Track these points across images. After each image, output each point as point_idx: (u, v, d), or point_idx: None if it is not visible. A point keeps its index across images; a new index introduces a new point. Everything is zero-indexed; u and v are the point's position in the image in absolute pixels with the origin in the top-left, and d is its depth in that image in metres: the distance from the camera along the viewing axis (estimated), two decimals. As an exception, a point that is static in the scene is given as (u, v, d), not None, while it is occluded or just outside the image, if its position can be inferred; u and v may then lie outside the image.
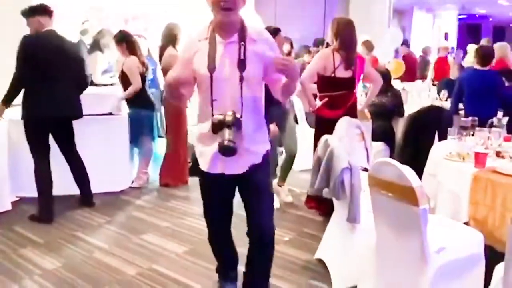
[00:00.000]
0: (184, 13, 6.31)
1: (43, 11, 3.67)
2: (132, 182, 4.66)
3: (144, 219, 3.88)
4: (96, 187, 4.30)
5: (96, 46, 5.24)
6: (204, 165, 2.19)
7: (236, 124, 1.99)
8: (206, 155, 2.17)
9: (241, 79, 2.00)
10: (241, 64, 2.00)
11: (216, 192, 2.29)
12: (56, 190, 3.86)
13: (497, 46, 6.39)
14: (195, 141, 2.26)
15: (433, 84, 6.92)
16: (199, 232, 3.42)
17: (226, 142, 1.96)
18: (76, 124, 3.95)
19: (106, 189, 4.40)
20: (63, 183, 3.96)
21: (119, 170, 4.53)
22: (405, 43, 9.07)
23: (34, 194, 3.86)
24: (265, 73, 2.10)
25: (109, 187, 4.44)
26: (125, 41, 4.46)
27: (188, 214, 3.96)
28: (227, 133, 1.96)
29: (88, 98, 4.18)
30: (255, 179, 2.18)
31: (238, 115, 2.00)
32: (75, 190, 4.08)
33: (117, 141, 4.48)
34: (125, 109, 4.57)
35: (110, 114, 4.45)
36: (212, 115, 2.02)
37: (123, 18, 6.36)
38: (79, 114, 3.88)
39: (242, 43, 2.00)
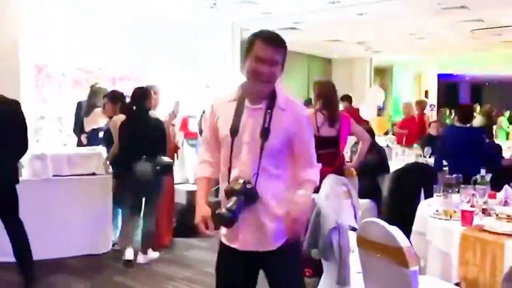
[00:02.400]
0: (172, 74, 6.44)
1: None
2: (114, 244, 4.52)
3: (126, 284, 3.71)
4: (76, 249, 4.18)
5: (94, 105, 5.17)
6: (224, 237, 1.99)
7: (245, 193, 1.81)
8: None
9: (262, 148, 1.86)
10: (264, 133, 1.86)
11: (229, 271, 2.01)
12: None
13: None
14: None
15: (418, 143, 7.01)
16: (183, 297, 3.28)
17: (222, 210, 1.79)
18: (57, 184, 3.88)
19: (86, 251, 4.26)
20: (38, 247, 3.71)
21: (101, 232, 4.41)
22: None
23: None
24: (287, 150, 1.93)
25: (89, 249, 4.30)
26: (120, 101, 4.50)
27: (172, 278, 3.81)
28: (231, 202, 1.79)
29: (71, 158, 4.15)
30: (278, 264, 1.94)
31: (249, 185, 1.84)
32: (49, 255, 3.91)
33: (100, 201, 4.39)
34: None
35: (94, 174, 4.39)
36: (228, 181, 1.89)
37: (111, 78, 6.45)
38: (10, 182, 3.42)
39: (269, 111, 1.87)
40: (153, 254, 4.27)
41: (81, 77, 6.01)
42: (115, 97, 4.57)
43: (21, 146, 3.46)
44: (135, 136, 4.04)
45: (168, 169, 4.12)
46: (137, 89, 4.34)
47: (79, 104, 5.25)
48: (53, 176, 4.17)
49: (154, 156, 4.00)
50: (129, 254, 4.10)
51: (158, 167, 3.97)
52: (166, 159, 4.09)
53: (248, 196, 1.82)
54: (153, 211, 4.22)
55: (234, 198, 1.80)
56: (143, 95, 4.20)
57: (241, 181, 1.83)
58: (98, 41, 6.07)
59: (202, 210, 1.95)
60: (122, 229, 4.46)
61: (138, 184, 4.06)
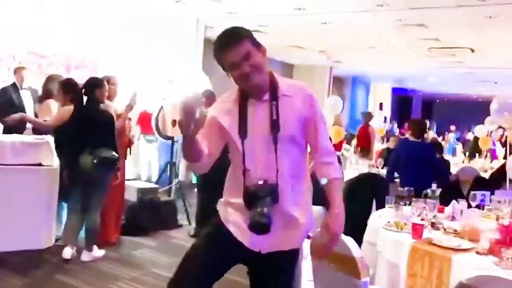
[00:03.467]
0: (132, 61, 6.24)
1: None
2: (58, 239, 4.30)
3: (68, 282, 3.53)
4: (16, 243, 3.94)
5: (48, 93, 4.92)
6: (238, 235, 1.86)
7: (270, 193, 1.71)
8: (238, 226, 1.86)
9: (275, 142, 1.75)
10: (274, 125, 1.76)
11: (217, 254, 1.88)
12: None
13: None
14: (229, 209, 1.90)
15: (355, 152, 7.19)
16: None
17: (256, 217, 1.67)
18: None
19: (26, 246, 4.01)
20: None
21: (44, 226, 4.17)
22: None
23: None
24: (301, 135, 1.84)
25: (31, 244, 4.05)
26: (73, 91, 4.28)
27: (117, 278, 3.67)
28: (259, 206, 1.68)
29: (15, 146, 3.92)
30: (280, 265, 1.88)
31: (272, 184, 1.74)
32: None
33: (45, 194, 4.16)
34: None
35: (40, 164, 4.16)
36: (244, 188, 1.76)
37: (66, 65, 6.18)
38: None
39: (274, 102, 1.78)
40: (98, 252, 4.09)
41: (33, 62, 5.71)
42: (68, 86, 4.34)
43: None
44: (80, 128, 3.85)
45: (109, 162, 3.87)
46: (90, 79, 4.16)
47: (4, 89, 4.98)
48: (-5, 164, 3.92)
49: (99, 149, 3.82)
50: (67, 253, 3.89)
51: (96, 160, 3.78)
52: (109, 152, 3.89)
53: (273, 196, 1.73)
54: (97, 206, 4.03)
55: (262, 201, 1.69)
56: (94, 85, 4.01)
57: (261, 181, 1.74)
58: (53, 24, 5.78)
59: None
60: (66, 224, 4.25)
61: (81, 177, 3.88)
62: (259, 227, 1.67)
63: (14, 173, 3.93)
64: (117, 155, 3.94)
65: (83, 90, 4.00)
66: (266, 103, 1.79)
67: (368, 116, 8.37)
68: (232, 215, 1.88)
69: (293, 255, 1.93)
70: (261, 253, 1.84)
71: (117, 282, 3.60)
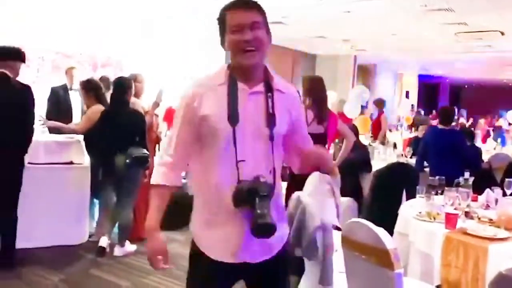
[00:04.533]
0: (158, 62, 6.30)
1: (15, 55, 3.50)
2: (91, 235, 4.40)
3: (102, 277, 3.62)
4: (51, 239, 4.07)
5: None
6: (222, 254, 1.63)
7: (270, 194, 1.54)
8: (226, 240, 1.61)
9: (271, 137, 1.60)
10: (270, 120, 1.60)
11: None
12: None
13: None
14: (196, 224, 1.72)
15: (373, 141, 7.06)
16: (161, 292, 3.21)
17: (262, 219, 1.47)
18: (33, 172, 3.76)
19: (61, 242, 4.14)
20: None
21: (77, 222, 4.28)
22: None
23: None
24: (288, 135, 1.70)
25: (65, 240, 4.17)
26: (95, 91, 4.37)
27: (149, 272, 3.72)
28: (260, 206, 1.49)
29: (48, 145, 4.02)
30: (276, 273, 1.72)
31: (269, 182, 1.57)
32: (23, 245, 3.79)
33: (77, 191, 4.26)
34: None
35: (71, 163, 4.26)
36: (238, 181, 1.54)
37: (92, 63, 6.29)
38: (14, 164, 3.58)
39: (269, 94, 1.62)
40: (130, 247, 4.17)
41: (61, 62, 5.83)
42: (89, 86, 4.42)
43: (26, 129, 3.55)
44: (113, 128, 3.93)
45: (141, 161, 3.95)
46: (118, 79, 4.23)
47: (52, 91, 5.09)
48: (29, 163, 4.01)
49: (130, 148, 3.90)
50: (103, 241, 4.02)
51: (128, 160, 3.86)
52: (140, 151, 3.94)
53: (271, 196, 1.55)
54: (129, 203, 4.11)
55: (261, 202, 1.50)
56: (123, 86, 4.09)
57: (263, 178, 1.55)
58: (80, 24, 5.89)
59: (156, 242, 1.62)
60: (98, 220, 4.35)
61: (113, 175, 3.97)
62: (266, 229, 1.50)
63: (47, 171, 4.04)
64: (148, 152, 4.00)
65: (113, 91, 4.08)
66: (259, 94, 1.62)
67: (381, 103, 8.16)
68: (206, 234, 1.66)
69: (283, 262, 1.76)
70: (250, 264, 1.64)
71: (149, 276, 3.66)
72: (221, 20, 1.61)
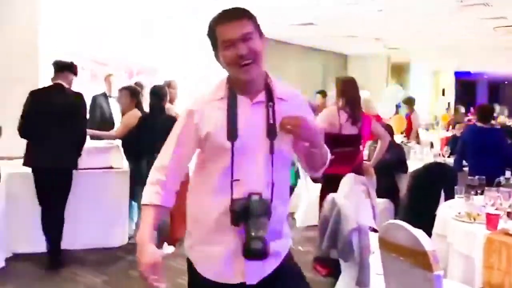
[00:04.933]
0: (192, 67, 6.40)
1: (68, 68, 3.90)
2: (130, 238, 4.52)
3: (142, 278, 3.72)
4: (92, 242, 4.21)
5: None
6: (212, 272, 1.58)
7: (266, 212, 1.47)
8: (215, 257, 1.57)
9: (272, 150, 1.52)
10: (271, 131, 1.52)
11: None
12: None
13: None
14: (189, 240, 1.66)
15: (407, 141, 6.88)
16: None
17: (253, 244, 1.42)
18: (74, 177, 3.91)
19: (102, 244, 4.27)
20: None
21: (117, 225, 4.41)
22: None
23: (29, 250, 3.84)
24: (294, 142, 1.60)
25: (105, 242, 4.31)
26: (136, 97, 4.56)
27: (186, 274, 3.80)
28: (254, 229, 1.43)
29: (88, 151, 4.16)
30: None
31: (266, 200, 1.49)
32: (64, 246, 3.95)
33: (117, 195, 4.39)
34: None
35: (111, 168, 4.39)
36: (232, 201, 1.49)
37: (128, 71, 6.45)
38: (69, 166, 3.89)
39: (270, 103, 1.54)
40: (168, 249, 4.26)
41: (98, 70, 6.02)
42: (133, 93, 4.58)
43: (79, 135, 3.91)
44: (150, 134, 4.05)
45: None
46: (154, 87, 4.41)
47: (94, 99, 5.26)
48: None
49: None
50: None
51: None
52: None
53: (268, 216, 1.47)
54: None
55: (255, 221, 1.44)
56: (160, 93, 4.27)
57: (255, 197, 1.47)
58: (114, 33, 6.06)
59: (149, 253, 1.51)
60: (137, 222, 4.47)
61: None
62: (258, 253, 1.43)
63: (88, 176, 4.18)
64: None
65: (150, 99, 4.22)
66: (260, 105, 1.55)
67: (411, 101, 7.94)
68: (199, 250, 1.63)
69: (285, 274, 1.65)
70: (247, 284, 1.56)
71: (186, 277, 3.72)
72: (211, 35, 1.56)
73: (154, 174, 1.60)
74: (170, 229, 4.43)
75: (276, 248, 1.59)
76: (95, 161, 4.31)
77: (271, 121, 1.53)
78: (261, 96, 1.56)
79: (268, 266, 1.58)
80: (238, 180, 1.50)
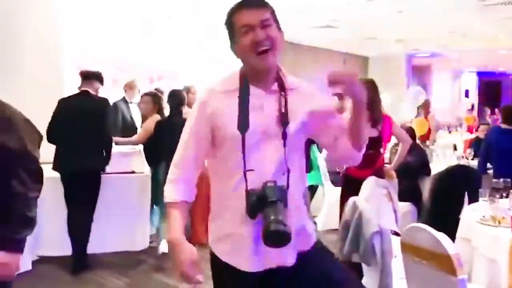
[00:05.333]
0: (211, 72, 6.45)
1: (95, 77, 4.09)
2: (152, 241, 4.57)
3: (165, 282, 3.75)
4: (114, 245, 4.27)
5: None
6: (240, 263, 1.57)
7: (282, 198, 1.46)
8: (241, 249, 1.55)
9: (284, 137, 1.52)
10: (283, 119, 1.53)
11: None
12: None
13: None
14: (214, 230, 1.66)
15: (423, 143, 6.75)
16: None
17: (273, 226, 1.38)
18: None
19: (124, 248, 4.34)
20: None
21: (138, 229, 4.47)
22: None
23: (54, 253, 3.92)
24: (315, 130, 1.62)
25: (127, 246, 4.37)
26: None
27: (208, 276, 3.81)
28: (270, 213, 1.41)
29: (112, 156, 4.22)
30: (314, 274, 1.59)
31: (282, 187, 1.50)
32: (87, 250, 4.01)
33: (138, 199, 4.45)
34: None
35: (133, 172, 4.46)
36: (246, 192, 1.48)
37: (149, 77, 6.54)
38: (97, 168, 4.01)
39: (282, 92, 1.55)
40: (165, 248, 4.30)
41: (119, 76, 6.12)
42: (156, 98, 4.65)
43: (104, 139, 4.01)
44: (169, 138, 4.08)
45: None
46: (173, 91, 4.47)
47: (115, 105, 5.34)
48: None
49: None
50: (163, 246, 4.16)
51: None
52: None
53: (284, 202, 1.48)
54: None
55: (272, 209, 1.42)
56: (178, 98, 4.33)
57: (270, 183, 1.47)
58: (135, 39, 6.14)
59: (187, 252, 1.50)
60: (158, 227, 4.51)
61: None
62: (278, 237, 1.40)
63: (111, 180, 4.25)
64: None
65: (169, 103, 4.31)
66: (273, 95, 1.56)
67: (426, 104, 7.80)
68: (223, 245, 1.62)
69: (313, 261, 1.62)
70: (274, 273, 1.57)
71: (209, 280, 3.74)
72: (229, 24, 1.55)
73: (172, 170, 1.61)
74: (192, 234, 4.48)
75: (301, 229, 1.60)
76: (117, 165, 4.38)
77: (283, 110, 1.54)
78: (274, 87, 1.57)
79: (290, 257, 1.57)
80: (252, 170, 1.49)
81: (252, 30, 1.48)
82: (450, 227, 3.06)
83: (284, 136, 1.53)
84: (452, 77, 16.20)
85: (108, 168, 4.25)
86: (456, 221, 3.17)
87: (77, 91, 4.06)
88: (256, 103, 1.54)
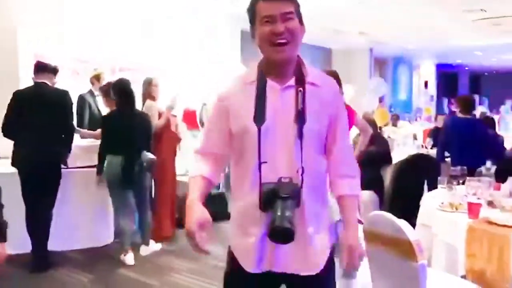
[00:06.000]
0: (175, 65, 6.36)
1: (51, 70, 3.98)
2: (116, 236, 4.49)
3: (130, 276, 3.70)
4: (78, 242, 4.17)
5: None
6: (244, 261, 1.57)
7: (294, 195, 1.44)
8: (247, 246, 1.55)
9: (300, 135, 1.48)
10: (300, 116, 1.49)
11: None
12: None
13: None
14: (231, 225, 1.64)
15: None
16: (187, 289, 3.27)
17: (278, 222, 1.37)
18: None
19: (89, 244, 4.25)
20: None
21: (102, 224, 4.39)
22: None
23: (13, 251, 3.73)
24: (327, 132, 1.58)
25: (92, 242, 4.29)
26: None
27: (176, 271, 3.80)
28: (280, 208, 1.39)
29: (74, 150, 4.11)
30: None
31: (296, 184, 1.46)
32: (51, 247, 3.89)
33: (101, 193, 4.34)
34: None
35: (94, 166, 4.34)
36: (260, 184, 1.47)
37: (110, 68, 6.37)
38: (57, 160, 3.87)
39: (300, 88, 1.51)
40: (155, 246, 4.26)
41: (78, 67, 5.94)
42: (107, 91, 4.43)
43: (66, 130, 3.92)
44: (118, 131, 3.99)
45: (148, 165, 4.04)
46: (118, 80, 4.24)
47: (81, 97, 5.18)
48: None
49: (138, 152, 3.99)
50: (130, 259, 3.97)
51: (136, 167, 3.95)
52: (149, 155, 4.04)
53: (296, 200, 1.44)
54: (145, 204, 4.20)
55: (282, 203, 1.40)
56: (125, 88, 4.11)
57: (285, 179, 1.45)
58: (96, 29, 5.98)
59: (197, 212, 1.43)
60: (119, 227, 4.13)
61: (122, 180, 3.96)
62: (282, 233, 1.37)
63: (73, 175, 4.14)
64: (154, 157, 4.08)
65: (114, 94, 4.14)
66: (290, 90, 1.52)
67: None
68: (236, 238, 1.61)
69: (329, 275, 1.62)
70: (275, 273, 1.55)
71: (176, 274, 3.73)
72: (252, 10, 1.54)
73: (196, 157, 1.65)
74: (156, 227, 4.43)
75: (316, 236, 1.56)
76: (78, 160, 4.27)
77: (301, 106, 1.50)
78: (291, 82, 1.53)
79: (303, 257, 1.54)
80: (266, 162, 1.48)
81: (273, 21, 1.48)
82: (410, 214, 3.16)
83: (300, 134, 1.49)
84: (412, 69, 16.63)
85: (71, 163, 4.13)
86: (417, 208, 3.28)
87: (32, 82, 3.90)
88: (272, 97, 1.52)
